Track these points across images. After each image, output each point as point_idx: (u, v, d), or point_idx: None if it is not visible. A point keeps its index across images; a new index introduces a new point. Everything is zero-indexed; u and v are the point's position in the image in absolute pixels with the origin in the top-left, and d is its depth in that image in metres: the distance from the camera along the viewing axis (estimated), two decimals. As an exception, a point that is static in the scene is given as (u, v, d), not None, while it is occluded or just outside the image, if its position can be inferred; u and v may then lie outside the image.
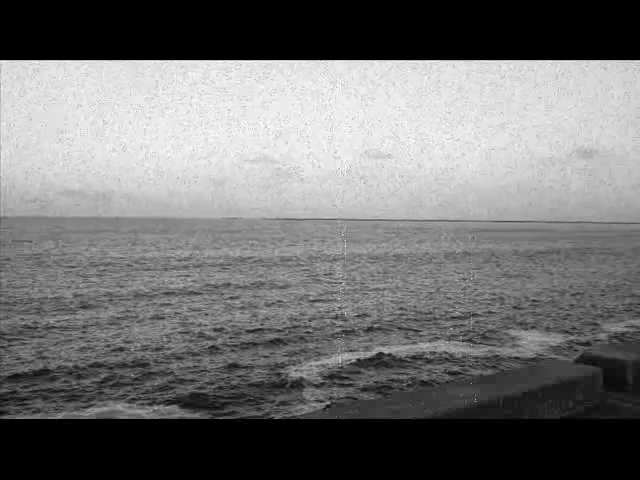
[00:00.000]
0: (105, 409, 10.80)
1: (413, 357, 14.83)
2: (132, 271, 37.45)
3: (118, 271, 37.19)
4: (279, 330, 18.17)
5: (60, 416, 10.34)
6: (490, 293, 28.16)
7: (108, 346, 15.75)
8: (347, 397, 11.61)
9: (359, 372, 13.44)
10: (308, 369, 13.67)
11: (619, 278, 36.29)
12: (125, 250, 60.30)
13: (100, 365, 13.75)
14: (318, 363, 14.24)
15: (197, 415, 10.57)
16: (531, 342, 16.97)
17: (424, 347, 16.05)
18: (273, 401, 11.40)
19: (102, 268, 39.04)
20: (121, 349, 15.41)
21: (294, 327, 18.70)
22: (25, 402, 11.14)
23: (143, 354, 14.89)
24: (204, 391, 11.84)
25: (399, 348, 15.87)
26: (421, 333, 18.26)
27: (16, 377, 12.63)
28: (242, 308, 22.69)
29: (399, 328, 18.99)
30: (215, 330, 18.09)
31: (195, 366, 13.83)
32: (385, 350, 15.36)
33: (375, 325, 19.30)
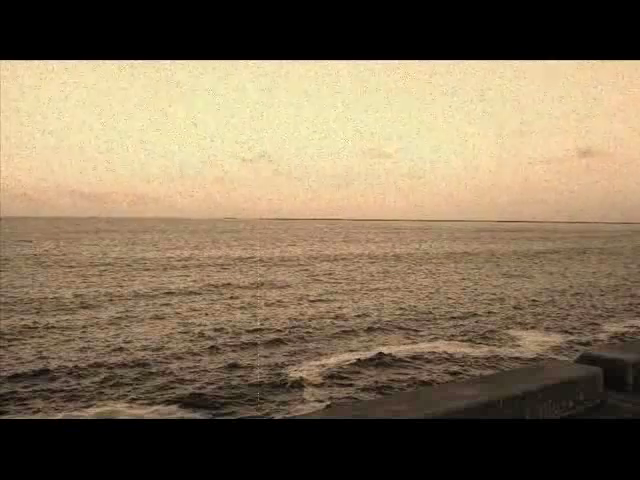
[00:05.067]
0: (105, 409, 10.80)
1: (413, 357, 14.83)
2: (132, 271, 37.45)
3: (118, 271, 37.18)
4: (279, 330, 18.16)
5: (60, 416, 10.34)
6: (490, 293, 28.15)
7: (108, 346, 15.75)
8: (347, 397, 11.61)
9: (359, 372, 13.44)
10: (308, 369, 13.67)
11: (619, 278, 36.28)
12: (125, 250, 60.30)
13: (100, 365, 13.75)
14: (318, 363, 14.24)
15: (197, 415, 10.57)
16: (531, 342, 16.96)
17: (424, 347, 16.04)
18: (273, 401, 11.40)
19: (102, 268, 39.04)
20: (121, 349, 15.41)
21: (294, 327, 18.71)
22: (25, 402, 11.13)
23: (143, 354, 14.89)
24: (204, 391, 11.84)
25: (399, 348, 15.87)
26: (421, 333, 18.26)
27: (16, 377, 12.63)
28: (242, 308, 22.69)
29: (399, 328, 18.99)
30: (215, 330, 18.09)
31: (195, 366, 13.83)
32: (385, 350, 15.36)
33: (375, 325, 19.30)
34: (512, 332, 18.47)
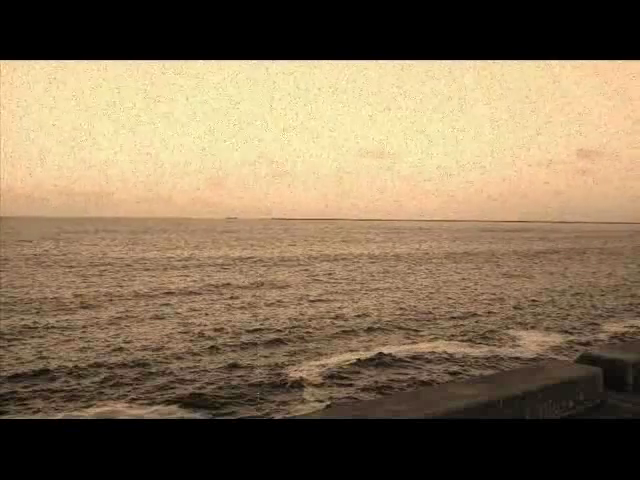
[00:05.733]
0: (105, 409, 10.80)
1: (413, 357, 14.83)
2: (132, 271, 37.45)
3: (118, 271, 37.17)
4: (279, 330, 18.16)
5: (60, 416, 10.34)
6: (490, 293, 28.15)
7: (108, 346, 15.75)
8: (347, 397, 11.61)
9: (359, 372, 13.44)
10: (308, 369, 13.67)
11: (619, 278, 36.27)
12: (125, 250, 60.29)
13: (100, 365, 13.74)
14: (318, 363, 14.24)
15: (197, 415, 10.57)
16: (531, 342, 16.96)
17: (424, 347, 16.04)
18: (273, 401, 11.40)
19: (102, 268, 39.03)
20: (121, 349, 15.41)
21: (294, 327, 18.70)
22: (25, 402, 11.13)
23: (143, 354, 14.89)
24: (204, 391, 11.84)
25: (399, 348, 15.87)
26: (421, 333, 18.25)
27: (16, 377, 12.62)
28: (242, 308, 22.68)
29: (399, 328, 18.99)
30: (215, 330, 18.09)
31: (195, 366, 13.83)
32: (385, 350, 15.36)
33: (375, 325, 19.29)
34: (512, 332, 18.47)
